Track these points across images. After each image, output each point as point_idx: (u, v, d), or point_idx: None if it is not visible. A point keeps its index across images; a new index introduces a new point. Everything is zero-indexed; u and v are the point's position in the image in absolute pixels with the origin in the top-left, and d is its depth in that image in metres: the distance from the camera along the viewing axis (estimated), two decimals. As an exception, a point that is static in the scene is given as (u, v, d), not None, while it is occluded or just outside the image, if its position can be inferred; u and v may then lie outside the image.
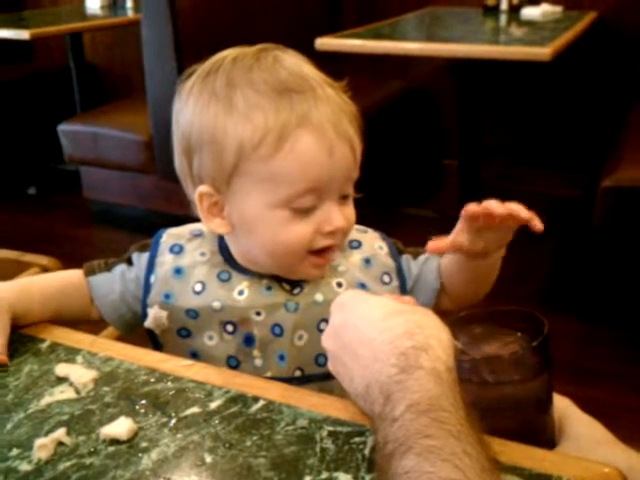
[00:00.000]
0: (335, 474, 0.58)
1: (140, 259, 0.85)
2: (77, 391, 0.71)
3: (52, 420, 0.67)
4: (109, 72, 3.91)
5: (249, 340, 0.80)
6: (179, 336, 0.83)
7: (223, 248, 0.83)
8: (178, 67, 2.45)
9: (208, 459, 0.61)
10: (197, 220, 0.87)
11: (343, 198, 0.77)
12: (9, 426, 0.66)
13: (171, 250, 0.84)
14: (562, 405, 0.71)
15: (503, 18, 2.82)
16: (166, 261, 0.83)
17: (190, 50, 2.46)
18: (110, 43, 3.85)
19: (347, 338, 0.64)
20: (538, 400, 0.68)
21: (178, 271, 0.82)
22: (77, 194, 3.13)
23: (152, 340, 0.85)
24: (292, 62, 0.76)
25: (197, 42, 2.47)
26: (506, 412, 0.66)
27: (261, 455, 0.61)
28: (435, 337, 0.60)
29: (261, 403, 0.68)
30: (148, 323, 0.82)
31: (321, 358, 0.80)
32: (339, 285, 0.82)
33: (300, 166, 0.72)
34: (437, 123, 3.30)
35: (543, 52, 2.08)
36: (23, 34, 2.84)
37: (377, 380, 0.58)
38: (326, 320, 0.77)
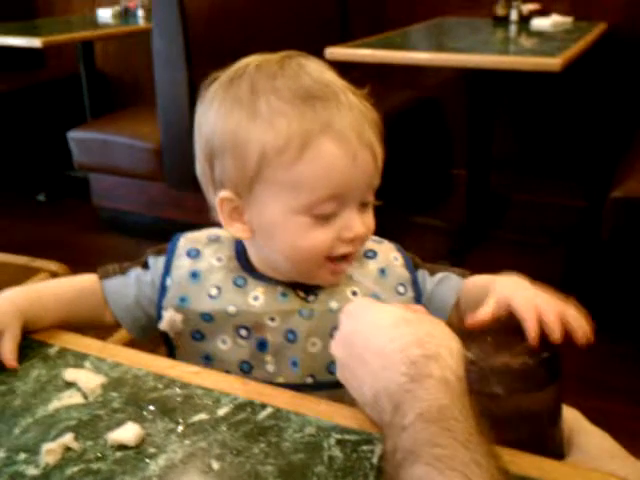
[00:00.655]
0: (343, 482, 0.58)
1: (157, 262, 0.86)
2: (85, 396, 0.71)
3: (60, 425, 0.67)
4: (119, 80, 3.93)
5: (262, 345, 0.80)
6: (193, 339, 0.83)
7: (240, 254, 0.83)
8: (188, 76, 2.46)
9: (215, 466, 0.60)
10: (207, 226, 0.87)
11: (363, 205, 0.77)
12: (17, 431, 0.66)
13: (188, 254, 0.84)
14: (571, 417, 0.70)
15: (513, 28, 2.82)
16: (183, 265, 0.83)
17: (200, 60, 2.47)
18: (121, 52, 3.87)
19: (356, 346, 0.64)
20: (547, 412, 0.67)
21: (194, 275, 0.82)
22: (86, 201, 3.14)
23: (166, 342, 0.85)
24: (315, 69, 0.76)
25: (207, 52, 2.48)
26: (515, 423, 0.66)
27: (269, 462, 0.60)
28: (445, 346, 0.60)
29: (269, 410, 0.68)
30: (163, 325, 0.82)
31: (333, 366, 0.79)
32: (354, 294, 0.82)
33: (323, 172, 0.72)
34: (446, 133, 3.30)
35: (553, 62, 2.07)
36: (35, 42, 2.86)
37: (386, 388, 0.57)
38: None
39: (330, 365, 0.80)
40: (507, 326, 0.71)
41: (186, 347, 0.83)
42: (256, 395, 0.70)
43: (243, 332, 0.80)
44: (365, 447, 0.62)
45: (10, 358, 0.75)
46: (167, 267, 0.84)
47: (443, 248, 2.49)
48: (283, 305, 0.80)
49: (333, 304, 0.80)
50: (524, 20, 2.81)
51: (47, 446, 0.63)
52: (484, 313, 0.71)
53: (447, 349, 0.59)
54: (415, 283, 0.85)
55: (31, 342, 0.81)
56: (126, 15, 3.61)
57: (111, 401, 0.70)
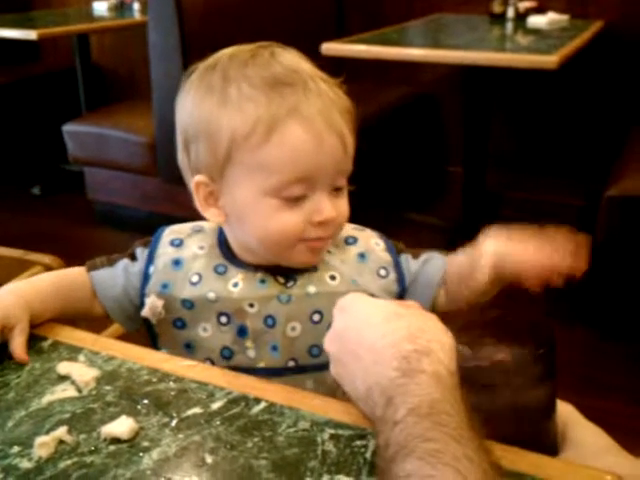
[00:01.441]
0: (336, 477, 0.58)
1: (144, 253, 0.87)
2: (79, 390, 0.71)
3: (53, 418, 0.66)
4: (115, 73, 3.91)
5: (242, 331, 0.81)
6: (174, 327, 0.84)
7: (222, 242, 0.85)
8: (184, 70, 2.45)
9: (209, 460, 0.60)
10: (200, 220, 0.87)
11: (336, 190, 0.79)
12: (10, 424, 0.66)
13: (171, 243, 0.86)
14: (565, 412, 0.70)
15: (510, 26, 2.82)
16: (166, 252, 0.85)
17: (196, 53, 2.44)
18: (116, 45, 3.86)
19: (349, 341, 0.64)
20: (542, 407, 0.67)
21: (177, 263, 0.84)
22: (81, 194, 3.14)
23: (148, 331, 0.86)
24: (288, 57, 0.78)
25: (203, 45, 2.46)
26: (510, 419, 0.66)
27: (262, 457, 0.60)
28: (437, 341, 0.60)
29: (263, 405, 0.68)
30: (145, 312, 0.84)
31: (315, 349, 0.82)
32: (332, 278, 0.83)
33: (289, 155, 0.74)
34: (442, 130, 3.30)
35: (550, 60, 2.08)
36: (31, 34, 2.85)
37: (378, 383, 0.57)
38: (319, 312, 0.80)
39: (312, 348, 0.82)
40: (503, 322, 0.71)
41: (168, 335, 0.85)
42: (250, 389, 0.70)
43: (223, 319, 0.82)
44: (359, 442, 0.62)
45: (21, 352, 0.76)
46: (150, 256, 0.86)
47: (438, 245, 2.48)
48: (261, 291, 0.81)
49: (311, 288, 0.82)
50: (521, 17, 2.81)
51: (40, 439, 0.62)
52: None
53: (439, 344, 0.59)
54: (397, 266, 0.86)
55: (25, 335, 0.80)
56: (122, 8, 3.60)
57: (105, 395, 0.70)
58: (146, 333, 0.87)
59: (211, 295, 0.81)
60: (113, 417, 0.66)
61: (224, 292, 0.81)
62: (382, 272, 0.85)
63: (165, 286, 0.83)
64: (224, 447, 0.62)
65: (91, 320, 0.89)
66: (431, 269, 0.87)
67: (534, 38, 2.61)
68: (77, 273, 0.89)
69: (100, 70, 3.82)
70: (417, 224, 2.94)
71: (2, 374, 0.73)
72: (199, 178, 0.79)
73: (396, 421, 0.53)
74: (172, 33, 2.46)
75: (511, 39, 2.76)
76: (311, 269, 0.83)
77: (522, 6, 2.84)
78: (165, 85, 2.54)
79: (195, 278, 0.82)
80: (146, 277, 0.85)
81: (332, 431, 0.63)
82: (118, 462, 0.60)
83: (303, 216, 0.77)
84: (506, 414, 0.65)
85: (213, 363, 0.83)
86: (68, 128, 2.95)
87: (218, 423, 0.65)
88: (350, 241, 0.86)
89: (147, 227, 0.94)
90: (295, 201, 0.76)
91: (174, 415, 0.66)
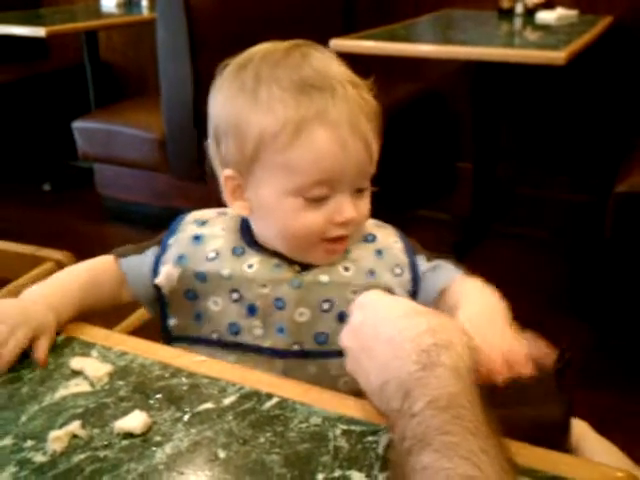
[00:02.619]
0: (348, 472, 0.58)
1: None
2: (92, 384, 0.71)
3: (66, 413, 0.67)
4: (124, 70, 3.92)
5: (252, 310, 0.83)
6: (185, 298, 0.85)
7: (244, 228, 0.86)
8: (192, 66, 2.46)
9: (222, 454, 0.61)
10: None
11: (358, 192, 0.81)
12: (24, 418, 0.66)
13: (195, 222, 0.88)
14: (578, 427, 0.70)
15: (518, 21, 2.81)
16: (188, 229, 0.87)
17: (204, 50, 2.47)
18: (125, 42, 3.87)
19: (366, 337, 0.64)
20: (557, 422, 0.67)
21: (197, 238, 0.86)
22: (91, 191, 3.15)
23: (159, 300, 0.87)
24: (320, 59, 0.80)
25: (212, 42, 2.47)
26: (525, 433, 0.65)
27: (274, 452, 0.61)
28: (457, 337, 0.60)
29: (275, 400, 0.68)
30: (159, 280, 0.85)
31: (321, 336, 0.83)
32: (346, 269, 0.83)
33: (313, 158, 0.76)
34: (452, 126, 3.29)
35: (558, 56, 2.07)
36: (39, 31, 2.85)
37: (396, 377, 0.58)
38: (329, 300, 0.81)
39: (318, 335, 0.83)
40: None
41: (178, 305, 0.86)
42: (262, 385, 0.70)
43: (235, 295, 0.83)
44: (371, 438, 0.62)
45: (42, 355, 0.76)
46: (172, 230, 0.88)
47: (447, 241, 2.48)
48: (275, 274, 0.82)
49: (323, 277, 0.82)
50: (529, 13, 2.80)
51: (54, 434, 0.63)
52: None
53: (459, 339, 0.60)
54: (413, 266, 0.86)
55: (37, 330, 0.81)
56: (130, 5, 3.60)
57: (118, 389, 0.70)
58: (155, 302, 0.87)
59: (225, 272, 0.83)
60: (126, 412, 0.66)
61: (238, 271, 0.83)
62: (397, 270, 0.85)
63: (182, 257, 0.85)
64: (236, 442, 0.62)
65: (118, 308, 0.91)
66: (436, 278, 0.87)
67: (543, 34, 2.60)
68: (103, 261, 0.90)
69: (109, 67, 3.83)
70: (427, 220, 2.94)
71: (15, 369, 0.74)
72: (228, 172, 0.82)
73: (413, 414, 0.53)
74: (180, 30, 2.46)
75: (520, 35, 2.75)
76: None
77: (531, 1, 2.83)
78: (174, 81, 2.54)
79: (212, 255, 0.84)
80: (164, 247, 0.87)
81: (344, 427, 0.64)
82: (131, 456, 0.61)
83: (324, 216, 0.78)
84: (522, 429, 0.65)
85: (220, 337, 0.84)
86: (78, 125, 2.96)
87: (230, 418, 0.65)
88: (369, 239, 0.87)
89: (157, 223, 0.94)
90: (317, 201, 0.78)
91: (186, 410, 0.67)
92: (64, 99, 3.62)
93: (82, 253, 1.11)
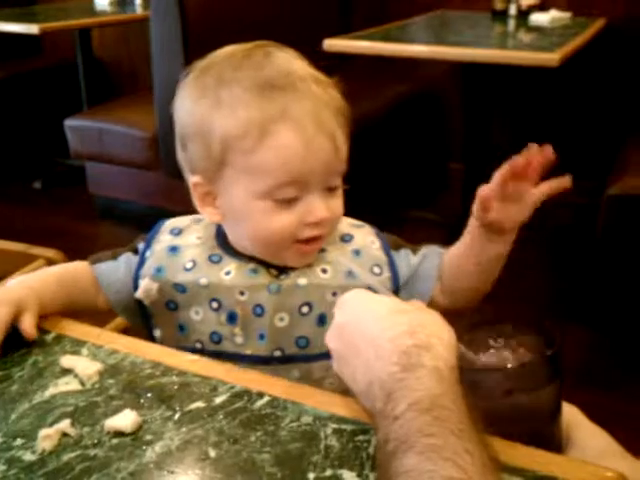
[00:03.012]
0: (339, 471, 0.58)
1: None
2: (82, 383, 0.71)
3: (56, 411, 0.67)
4: (117, 68, 3.91)
5: (232, 318, 0.83)
6: (167, 309, 0.85)
7: (219, 235, 0.86)
8: (185, 65, 2.44)
9: (212, 453, 0.61)
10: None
11: (329, 190, 0.80)
12: (13, 416, 0.66)
13: (171, 232, 0.88)
14: (569, 413, 0.70)
15: (512, 23, 2.82)
16: (164, 239, 0.87)
17: (198, 48, 2.44)
18: (118, 39, 3.85)
19: (350, 336, 0.64)
20: (548, 409, 0.67)
21: (173, 249, 0.85)
22: (82, 189, 3.13)
23: (142, 313, 0.87)
24: (281, 58, 0.79)
25: (205, 40, 2.46)
26: (515, 421, 0.66)
27: (265, 451, 0.61)
28: (437, 336, 0.60)
29: (266, 399, 0.68)
30: (139, 294, 0.85)
31: (302, 340, 0.83)
32: (324, 271, 0.83)
33: (279, 159, 0.76)
34: (443, 126, 3.29)
35: (551, 58, 2.07)
36: (32, 28, 2.84)
37: (379, 378, 0.58)
38: (308, 304, 0.81)
39: (299, 340, 0.83)
40: (508, 323, 0.71)
41: (162, 316, 0.86)
42: (253, 384, 0.70)
43: (214, 304, 0.83)
44: (361, 437, 0.62)
45: (29, 331, 0.77)
46: (149, 242, 0.88)
47: (439, 242, 2.47)
48: (252, 280, 0.82)
49: (301, 280, 0.82)
50: (523, 15, 2.80)
51: (44, 432, 0.63)
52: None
53: (439, 339, 0.59)
54: (392, 265, 0.86)
55: (28, 328, 0.80)
56: (123, 2, 3.58)
57: (108, 388, 0.70)
58: (139, 316, 0.88)
59: (203, 281, 0.83)
60: (116, 410, 0.66)
61: (216, 279, 0.82)
62: (376, 270, 0.85)
63: (159, 270, 0.85)
64: (227, 441, 0.62)
65: (97, 314, 0.90)
66: (429, 263, 0.88)
67: (536, 35, 2.60)
68: (80, 267, 0.90)
69: (102, 65, 3.82)
70: (418, 220, 2.94)
71: (5, 367, 0.74)
72: (195, 179, 0.81)
73: (396, 416, 0.53)
74: (174, 28, 2.45)
75: (513, 36, 2.76)
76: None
77: (524, 3, 2.83)
78: (167, 80, 2.53)
79: (189, 265, 0.84)
80: (142, 260, 0.86)
81: (335, 426, 0.64)
82: (121, 455, 0.61)
83: (296, 217, 0.78)
84: (512, 416, 0.65)
85: (203, 346, 0.84)
86: (70, 123, 2.95)
87: (221, 417, 0.65)
88: (346, 239, 0.87)
89: (148, 221, 0.94)
90: (288, 202, 0.77)
91: (177, 409, 0.67)
92: (56, 96, 3.60)
93: (73, 251, 1.10)
